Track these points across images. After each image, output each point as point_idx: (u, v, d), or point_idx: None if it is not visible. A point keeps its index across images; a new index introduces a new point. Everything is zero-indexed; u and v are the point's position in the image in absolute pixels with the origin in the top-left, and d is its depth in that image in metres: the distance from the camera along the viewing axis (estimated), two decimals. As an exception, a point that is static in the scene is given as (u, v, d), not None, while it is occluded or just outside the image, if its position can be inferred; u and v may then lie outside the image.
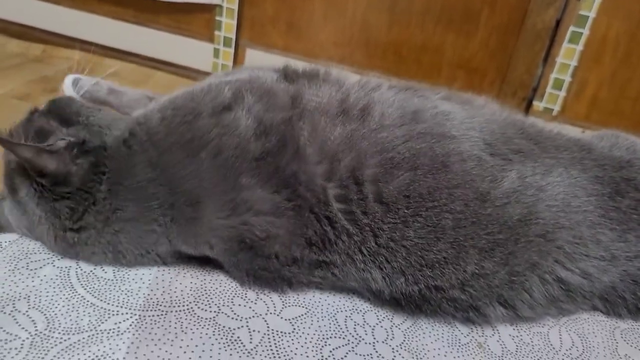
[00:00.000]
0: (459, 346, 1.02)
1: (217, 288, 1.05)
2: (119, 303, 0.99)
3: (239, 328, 0.98)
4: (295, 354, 0.95)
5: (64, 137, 1.02)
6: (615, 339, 1.09)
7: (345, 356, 0.96)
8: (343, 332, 1.01)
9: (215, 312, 1.00)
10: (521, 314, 1.06)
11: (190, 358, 0.91)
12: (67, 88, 1.34)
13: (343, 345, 0.98)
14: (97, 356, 0.88)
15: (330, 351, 0.97)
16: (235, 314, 1.00)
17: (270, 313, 1.02)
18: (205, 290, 1.04)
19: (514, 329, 1.07)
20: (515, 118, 1.18)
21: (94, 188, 1.00)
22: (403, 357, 0.98)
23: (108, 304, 0.98)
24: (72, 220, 1.01)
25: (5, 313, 0.93)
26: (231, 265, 1.04)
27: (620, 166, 1.12)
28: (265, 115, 1.04)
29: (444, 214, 0.99)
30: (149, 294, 1.01)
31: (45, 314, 0.94)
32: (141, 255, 1.04)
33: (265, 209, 0.99)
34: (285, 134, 1.02)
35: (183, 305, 1.00)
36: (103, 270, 1.05)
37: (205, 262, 1.07)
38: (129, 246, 1.03)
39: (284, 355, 0.94)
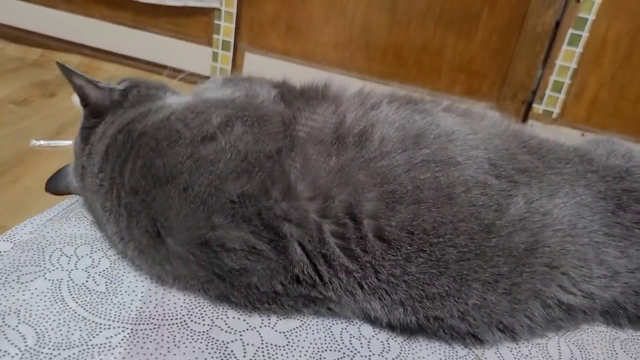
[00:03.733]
0: (457, 359, 1.01)
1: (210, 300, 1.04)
2: (110, 317, 0.97)
3: (232, 341, 0.97)
4: (290, 368, 0.94)
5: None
6: (615, 350, 1.07)
7: (340, 370, 0.95)
8: (338, 344, 1.00)
9: (208, 325, 0.99)
10: (519, 337, 1.04)
11: (182, 373, 0.90)
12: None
13: (339, 359, 0.97)
14: (87, 372, 0.87)
15: (325, 365, 0.96)
16: (229, 327, 0.99)
17: (265, 326, 1.01)
18: (198, 303, 1.03)
19: (512, 341, 1.06)
20: (515, 129, 1.15)
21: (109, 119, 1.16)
22: (399, 370, 0.97)
23: (100, 317, 0.97)
24: (90, 145, 1.14)
25: (-5, 328, 0.92)
26: (209, 296, 1.03)
27: (620, 176, 1.10)
28: (252, 149, 0.99)
29: (447, 249, 0.94)
30: (141, 307, 1.00)
31: (35, 329, 0.93)
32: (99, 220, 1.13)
33: (239, 247, 0.95)
34: (273, 171, 0.97)
35: (176, 319, 0.99)
36: (95, 282, 1.04)
37: None
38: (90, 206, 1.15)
39: (278, 370, 0.93)
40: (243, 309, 1.02)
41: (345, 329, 1.03)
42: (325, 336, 1.01)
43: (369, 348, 1.00)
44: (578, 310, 1.05)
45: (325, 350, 0.98)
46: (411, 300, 0.96)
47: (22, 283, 1.01)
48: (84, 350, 0.91)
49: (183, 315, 1.00)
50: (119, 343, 0.93)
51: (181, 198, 0.96)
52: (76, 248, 1.11)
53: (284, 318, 1.02)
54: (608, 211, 1.05)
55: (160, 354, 0.92)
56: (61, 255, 1.08)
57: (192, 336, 0.96)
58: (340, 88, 1.16)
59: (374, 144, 0.99)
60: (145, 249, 1.01)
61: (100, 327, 0.95)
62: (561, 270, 0.99)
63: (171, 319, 0.99)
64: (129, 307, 1.00)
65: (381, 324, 1.02)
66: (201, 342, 0.95)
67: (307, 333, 1.01)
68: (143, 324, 0.97)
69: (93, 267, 1.07)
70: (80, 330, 0.94)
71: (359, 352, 0.99)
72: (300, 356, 0.96)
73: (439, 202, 0.95)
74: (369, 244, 0.94)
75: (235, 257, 0.95)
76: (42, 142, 1.57)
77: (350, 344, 1.00)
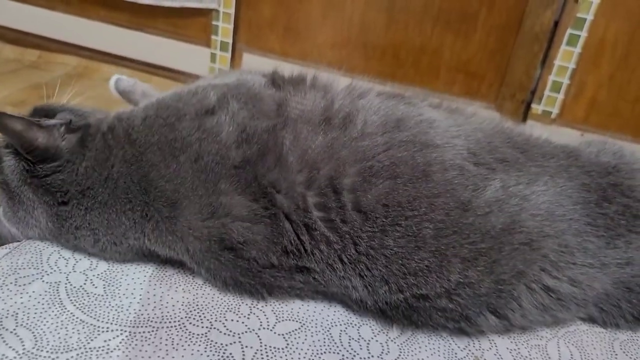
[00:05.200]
0: (456, 360, 1.01)
1: (209, 303, 1.04)
2: (108, 319, 0.97)
3: (231, 344, 0.96)
4: (289, 370, 0.94)
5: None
6: (614, 351, 1.07)
7: (340, 372, 0.95)
8: (337, 347, 0.99)
9: (207, 327, 0.99)
10: (514, 323, 1.04)
11: (181, 376, 0.89)
12: (111, 86, 1.49)
13: (337, 361, 0.97)
14: (85, 375, 0.87)
15: (324, 367, 0.95)
16: (227, 329, 0.99)
17: (264, 328, 1.00)
18: (197, 305, 1.03)
19: (511, 342, 1.06)
20: (504, 126, 1.18)
21: (77, 160, 1.05)
22: (398, 372, 0.97)
23: (98, 320, 0.97)
24: (62, 192, 1.05)
25: (-8, 331, 0.92)
26: (212, 270, 1.04)
27: (607, 172, 1.11)
28: (249, 123, 1.05)
29: (424, 223, 0.98)
30: (139, 310, 1.00)
31: (33, 332, 0.92)
32: (114, 244, 1.06)
33: (242, 215, 0.99)
34: (268, 143, 1.02)
35: (174, 321, 0.99)
36: (93, 285, 1.04)
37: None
38: (100, 228, 1.05)
39: (277, 372, 0.93)
40: (242, 291, 1.05)
41: (345, 331, 1.03)
42: (324, 338, 1.01)
43: (368, 350, 1.00)
44: (569, 300, 1.05)
45: (325, 352, 0.98)
46: (394, 276, 0.99)
47: (19, 286, 1.00)
48: (82, 353, 0.90)
49: (181, 318, 1.00)
50: (117, 346, 0.92)
51: (193, 169, 1.01)
52: (74, 251, 1.11)
53: (282, 320, 1.02)
54: (591, 202, 1.07)
55: (159, 356, 0.92)
56: (59, 257, 1.08)
57: (190, 339, 0.96)
58: (329, 80, 1.19)
59: (357, 127, 1.05)
60: (163, 225, 1.03)
61: (98, 330, 0.95)
62: (541, 253, 1.01)
63: (169, 322, 0.98)
64: (127, 310, 1.00)
65: (369, 308, 1.04)
66: (200, 345, 0.95)
67: (306, 335, 1.01)
68: (141, 326, 0.97)
69: (91, 270, 1.07)
70: (79, 333, 0.94)
71: (358, 354, 0.99)
72: (299, 358, 0.96)
73: (414, 179, 1.00)
74: (347, 215, 0.99)
75: (240, 227, 0.99)
76: None
77: (350, 346, 1.00)
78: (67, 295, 1.01)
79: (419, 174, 1.00)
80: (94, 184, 1.04)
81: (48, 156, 1.04)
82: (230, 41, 2.22)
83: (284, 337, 0.99)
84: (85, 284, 1.04)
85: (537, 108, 1.99)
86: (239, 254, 1.01)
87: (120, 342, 0.93)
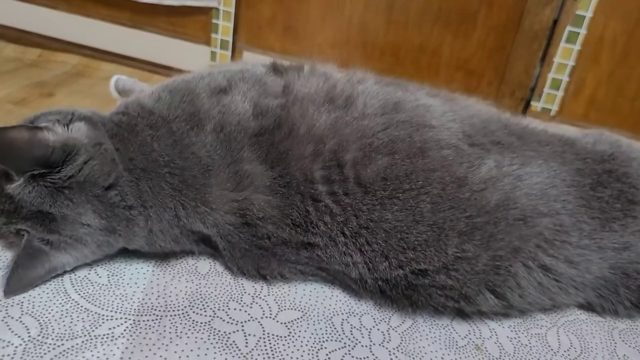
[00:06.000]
0: (457, 348, 1.02)
1: (212, 292, 1.05)
2: (113, 308, 0.98)
3: (234, 332, 0.97)
4: (291, 357, 0.94)
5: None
6: (613, 340, 1.08)
7: (342, 359, 0.96)
8: (339, 335, 1.00)
9: (210, 316, 0.99)
10: (513, 303, 1.05)
11: (184, 363, 0.90)
12: (111, 86, 1.53)
13: (339, 349, 0.97)
14: (90, 362, 0.88)
15: (327, 354, 0.96)
16: (230, 317, 1.00)
17: (266, 317, 1.01)
18: (200, 294, 1.04)
19: (511, 331, 1.07)
20: (500, 115, 1.21)
21: (103, 140, 1.01)
22: (400, 360, 0.98)
23: (102, 309, 0.97)
24: (104, 176, 0.98)
25: (-2, 319, 0.93)
26: (230, 245, 1.06)
27: (603, 159, 1.14)
28: (260, 100, 1.10)
29: (421, 197, 1.01)
30: (143, 299, 1.01)
31: (38, 320, 0.93)
32: (160, 221, 1.02)
33: (263, 185, 1.03)
34: (281, 115, 1.07)
35: (178, 310, 1.00)
36: (97, 274, 1.04)
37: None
38: (148, 199, 1.01)
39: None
40: (253, 262, 1.07)
41: (346, 319, 1.04)
42: (326, 327, 1.01)
43: (369, 338, 1.01)
44: (567, 281, 1.06)
45: (326, 340, 0.99)
46: (393, 251, 1.01)
47: (24, 275, 1.01)
48: (86, 340, 0.91)
49: (185, 307, 1.00)
50: (122, 334, 0.93)
51: (219, 138, 1.05)
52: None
53: (284, 309, 1.03)
54: (585, 186, 1.09)
55: (163, 344, 0.92)
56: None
57: (194, 327, 0.97)
58: (328, 69, 1.23)
59: (358, 108, 1.11)
60: (197, 195, 1.03)
61: (102, 318, 0.96)
62: (536, 230, 1.03)
63: (173, 310, 0.99)
64: (131, 299, 1.00)
65: (369, 288, 1.05)
66: (203, 333, 0.96)
67: (307, 324, 1.01)
68: (145, 315, 0.98)
69: (95, 260, 1.07)
70: (83, 322, 0.94)
71: (359, 342, 0.99)
72: (301, 346, 0.97)
73: (411, 154, 1.04)
74: (350, 187, 1.03)
75: (261, 199, 1.03)
76: None
77: (351, 334, 1.01)
78: (72, 284, 1.01)
79: (415, 151, 1.04)
80: (133, 154, 1.01)
81: (68, 152, 0.96)
82: (230, 39, 2.23)
83: (286, 326, 1.00)
84: (89, 273, 1.05)
85: (536, 105, 1.99)
86: (257, 231, 1.04)
87: (125, 330, 0.94)
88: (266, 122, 1.06)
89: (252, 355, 0.93)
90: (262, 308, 1.03)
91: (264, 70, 1.21)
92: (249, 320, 1.00)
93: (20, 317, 0.93)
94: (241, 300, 1.04)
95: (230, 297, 1.04)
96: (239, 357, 0.92)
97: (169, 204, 1.02)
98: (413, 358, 0.98)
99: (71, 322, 0.94)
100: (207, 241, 1.08)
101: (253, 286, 1.08)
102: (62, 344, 0.90)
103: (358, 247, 1.02)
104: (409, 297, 1.04)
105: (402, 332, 1.03)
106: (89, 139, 1.00)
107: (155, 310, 0.99)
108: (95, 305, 0.98)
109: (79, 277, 1.03)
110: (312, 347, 0.97)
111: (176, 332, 0.95)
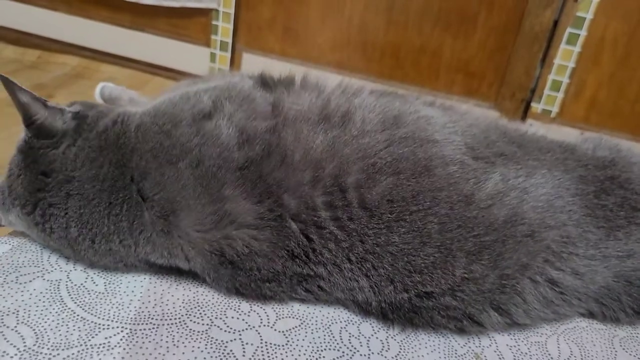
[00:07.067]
0: (456, 357, 1.01)
1: (209, 300, 1.04)
2: (109, 317, 0.97)
3: (231, 341, 0.96)
4: (289, 367, 0.94)
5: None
6: (614, 348, 1.07)
7: (340, 369, 0.95)
8: (338, 343, 1.00)
9: (207, 324, 0.99)
10: (516, 320, 1.04)
11: (181, 373, 0.90)
12: (96, 94, 1.50)
13: (338, 357, 0.97)
14: (86, 372, 0.87)
15: (325, 364, 0.96)
16: (228, 326, 0.99)
17: (264, 325, 1.01)
18: (197, 302, 1.03)
19: (511, 339, 1.06)
20: (498, 123, 1.20)
21: (69, 143, 1.03)
22: (398, 369, 0.97)
23: (98, 317, 0.97)
24: (47, 163, 1.02)
25: (-6, 329, 0.92)
26: (212, 279, 1.03)
27: (604, 165, 1.13)
28: (247, 124, 1.03)
29: (428, 218, 0.98)
30: (140, 307, 1.00)
31: (34, 329, 0.93)
32: (90, 240, 1.01)
33: (248, 221, 0.98)
34: (271, 142, 1.01)
35: (175, 318, 0.99)
36: (94, 283, 1.04)
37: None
38: (74, 217, 1.01)
39: (277, 369, 0.93)
40: (248, 293, 1.04)
41: (345, 328, 1.03)
42: (325, 335, 1.01)
43: (368, 347, 1.00)
44: (571, 295, 1.05)
45: (325, 349, 0.98)
46: (399, 275, 0.98)
47: (20, 284, 1.01)
48: (83, 350, 0.90)
49: (182, 315, 1.00)
50: (118, 343, 0.93)
51: (194, 175, 0.98)
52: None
53: (282, 318, 1.03)
54: (589, 194, 1.08)
55: (160, 353, 0.92)
56: (60, 255, 1.08)
57: (191, 336, 0.96)
58: (320, 80, 1.19)
59: (356, 124, 1.05)
60: (157, 239, 1.00)
61: (99, 327, 0.95)
62: (544, 244, 1.01)
63: (170, 319, 0.99)
64: (128, 307, 1.00)
65: (372, 311, 1.03)
66: (200, 342, 0.95)
67: (306, 332, 1.01)
68: (142, 323, 0.97)
69: (91, 268, 1.07)
70: (79, 331, 0.94)
71: (358, 351, 0.99)
72: (299, 355, 0.96)
73: (416, 174, 1.00)
74: (354, 212, 0.98)
75: (245, 235, 0.98)
76: None
77: (350, 342, 1.00)
78: (68, 292, 1.01)
79: (421, 169, 1.01)
80: (81, 176, 1.00)
81: (44, 133, 1.02)
82: (230, 41, 2.23)
83: (284, 334, 1.00)
84: (86, 281, 1.04)
85: (536, 107, 1.99)
86: (239, 265, 1.00)
87: (121, 339, 0.93)
88: (253, 151, 1.00)
89: (249, 364, 0.93)
90: (259, 316, 1.02)
91: (252, 83, 1.16)
92: (246, 329, 0.99)
93: (15, 327, 0.92)
94: (239, 309, 1.03)
95: (228, 306, 1.03)
96: (236, 367, 0.92)
97: (113, 239, 1.01)
98: (412, 367, 0.98)
99: (67, 332, 0.93)
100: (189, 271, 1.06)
101: (251, 294, 1.07)
102: (58, 354, 0.89)
103: (364, 272, 0.99)
104: (410, 319, 1.02)
105: (401, 341, 1.02)
106: (64, 136, 1.04)
107: (152, 319, 0.98)
108: (91, 314, 0.97)
109: (75, 285, 1.03)
110: (310, 355, 0.96)
111: (173, 341, 0.94)
